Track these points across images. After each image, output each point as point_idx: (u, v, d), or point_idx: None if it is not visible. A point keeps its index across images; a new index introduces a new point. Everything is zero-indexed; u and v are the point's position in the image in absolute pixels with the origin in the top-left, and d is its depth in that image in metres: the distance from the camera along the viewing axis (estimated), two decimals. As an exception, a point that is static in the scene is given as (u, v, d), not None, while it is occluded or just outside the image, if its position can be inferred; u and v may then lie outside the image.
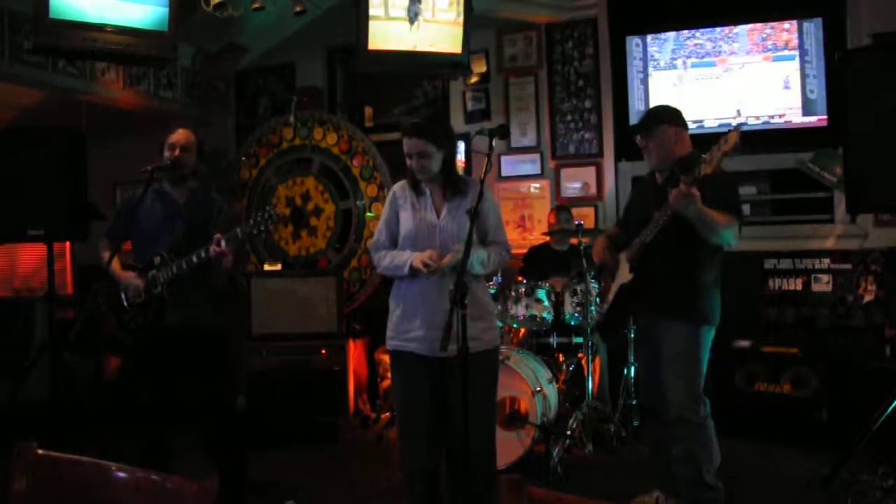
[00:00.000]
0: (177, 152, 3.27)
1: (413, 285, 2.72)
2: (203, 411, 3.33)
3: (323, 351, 5.21)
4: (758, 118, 5.15)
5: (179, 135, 3.31)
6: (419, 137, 2.65)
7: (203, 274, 3.20)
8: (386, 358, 5.41)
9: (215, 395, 3.35)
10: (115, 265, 3.26)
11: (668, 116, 3.09)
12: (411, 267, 2.64)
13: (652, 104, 5.43)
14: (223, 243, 3.02)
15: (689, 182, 2.68)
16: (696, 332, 2.97)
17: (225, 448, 3.34)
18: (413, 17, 4.83)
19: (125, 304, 3.26)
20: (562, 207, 5.27)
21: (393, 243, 2.80)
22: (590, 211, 5.65)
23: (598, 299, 4.52)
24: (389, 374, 5.36)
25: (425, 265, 2.60)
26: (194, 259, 3.08)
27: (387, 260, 2.76)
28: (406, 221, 2.75)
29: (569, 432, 4.16)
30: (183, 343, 3.20)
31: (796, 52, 5.10)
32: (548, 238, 5.17)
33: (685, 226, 2.80)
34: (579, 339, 4.59)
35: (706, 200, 2.73)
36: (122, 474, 1.37)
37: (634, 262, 3.08)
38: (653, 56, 5.44)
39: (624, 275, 3.15)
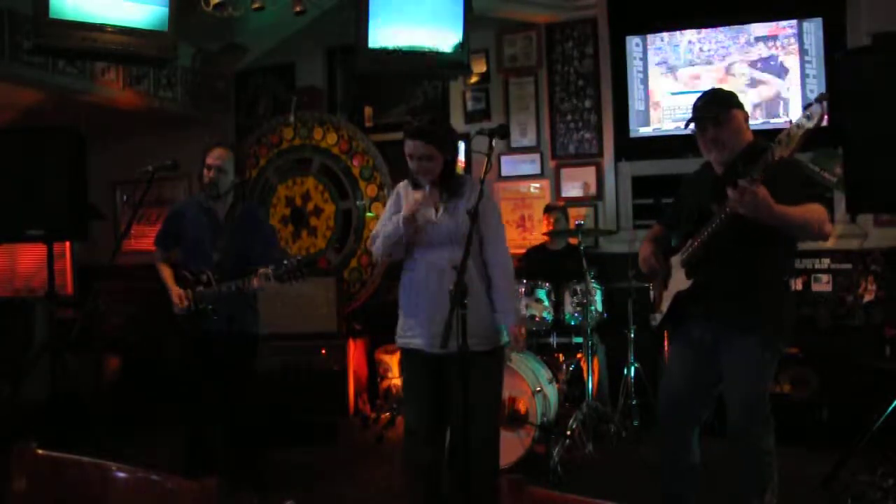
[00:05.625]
0: (212, 174, 3.49)
1: (415, 282, 2.74)
2: (229, 409, 3.55)
3: (323, 351, 5.21)
4: (757, 118, 5.15)
5: (216, 156, 3.50)
6: (422, 140, 2.65)
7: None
8: (386, 358, 5.42)
9: (242, 393, 3.56)
10: (168, 275, 3.57)
11: (735, 99, 2.69)
12: (404, 219, 2.65)
13: (652, 104, 5.44)
14: (260, 282, 3.33)
15: (754, 177, 2.31)
16: (766, 346, 2.61)
17: (248, 443, 3.57)
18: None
19: (177, 314, 3.54)
20: (553, 207, 5.23)
21: None
22: (590, 211, 5.65)
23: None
24: (389, 374, 5.38)
25: (414, 211, 2.62)
26: (234, 287, 3.39)
27: (382, 231, 2.76)
28: None
29: (569, 432, 4.16)
30: (225, 345, 3.47)
31: (796, 53, 5.10)
32: (545, 238, 5.17)
33: (751, 221, 2.42)
34: (579, 339, 4.59)
35: (779, 194, 2.36)
36: (122, 474, 1.37)
37: (691, 267, 2.71)
38: (652, 56, 5.44)
39: (679, 281, 2.77)
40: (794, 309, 2.71)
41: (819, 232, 2.49)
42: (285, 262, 3.34)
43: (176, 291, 3.47)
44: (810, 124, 2.25)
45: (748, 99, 5.15)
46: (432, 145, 2.65)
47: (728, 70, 5.23)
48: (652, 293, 3.01)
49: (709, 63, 5.29)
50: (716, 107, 2.65)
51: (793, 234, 2.56)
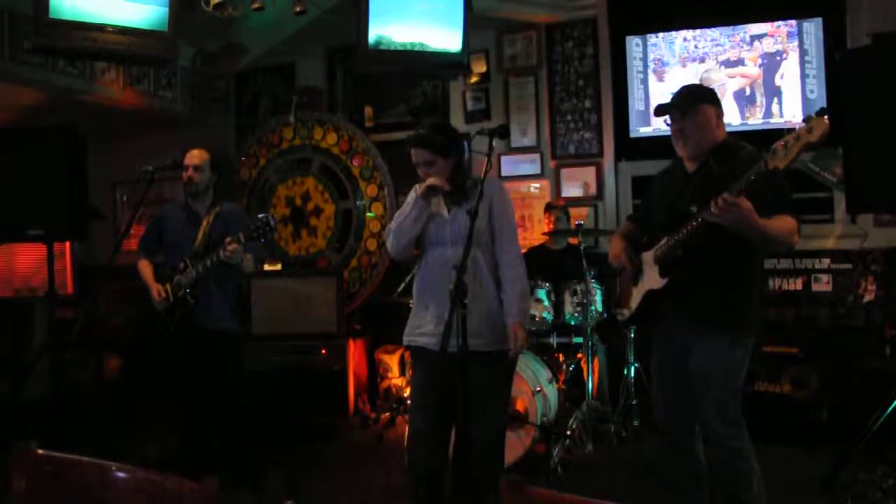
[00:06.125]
0: (189, 172, 3.60)
1: (426, 281, 2.75)
2: (217, 407, 3.59)
3: (323, 351, 5.21)
4: (757, 118, 5.15)
5: (191, 156, 3.62)
6: (423, 148, 2.70)
7: (224, 280, 3.56)
8: (386, 358, 5.42)
9: (229, 391, 3.61)
10: (149, 274, 3.65)
11: (708, 95, 2.69)
12: (421, 197, 2.68)
13: (652, 104, 5.44)
14: (230, 246, 3.33)
15: (740, 189, 2.30)
16: (738, 345, 2.60)
17: (235, 441, 3.62)
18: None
19: (157, 309, 3.60)
20: (554, 206, 5.22)
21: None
22: (590, 211, 5.65)
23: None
24: (389, 374, 5.38)
25: (430, 187, 2.64)
26: (208, 263, 3.42)
27: (397, 217, 2.78)
28: None
29: (569, 432, 4.16)
30: (207, 343, 3.54)
31: (796, 53, 5.10)
32: (545, 238, 5.17)
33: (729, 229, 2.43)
34: (579, 339, 4.58)
35: (758, 204, 2.35)
36: (122, 474, 1.37)
37: (666, 265, 2.69)
38: (652, 56, 5.44)
39: (652, 279, 2.75)
40: (759, 306, 2.69)
41: (786, 247, 2.53)
42: (252, 225, 3.35)
43: (155, 288, 3.56)
44: (811, 137, 2.18)
45: (747, 98, 5.16)
46: (431, 151, 2.69)
47: (727, 70, 5.23)
48: (618, 288, 2.99)
49: (708, 63, 5.29)
50: (684, 97, 2.66)
51: (761, 246, 2.53)
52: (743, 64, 5.21)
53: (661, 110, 2.70)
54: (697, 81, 5.15)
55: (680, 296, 2.66)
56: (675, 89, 2.77)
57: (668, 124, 2.72)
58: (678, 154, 2.73)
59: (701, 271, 2.59)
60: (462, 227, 2.66)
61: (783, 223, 2.45)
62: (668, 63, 5.39)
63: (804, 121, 2.23)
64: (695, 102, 2.63)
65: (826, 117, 2.21)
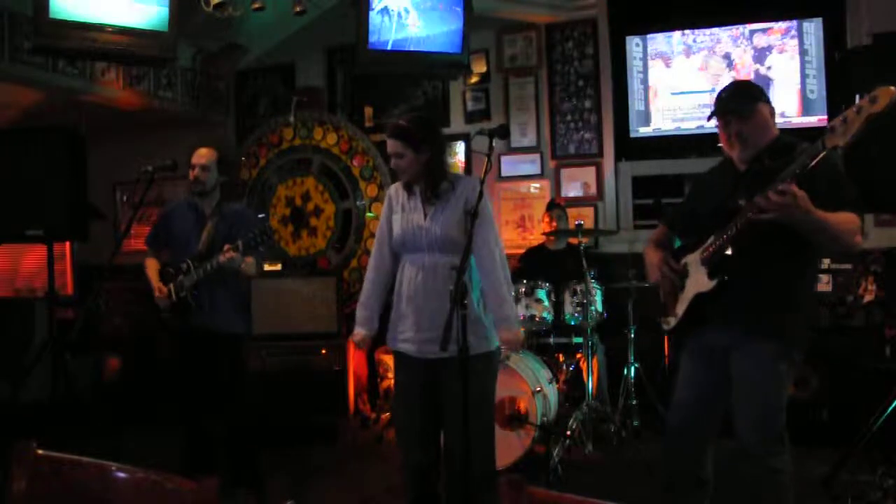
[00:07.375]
0: (196, 171, 3.54)
1: (402, 287, 2.75)
2: (223, 408, 3.56)
3: (323, 351, 5.21)
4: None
5: (199, 155, 3.56)
6: (394, 139, 2.68)
7: (229, 281, 3.53)
8: (386, 358, 5.42)
9: (234, 392, 3.58)
10: (152, 271, 3.61)
11: (761, 92, 2.48)
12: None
13: (652, 105, 5.44)
14: (227, 254, 3.31)
15: (794, 174, 2.10)
16: (784, 355, 2.40)
17: (242, 443, 3.58)
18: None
19: (159, 307, 3.57)
20: (555, 205, 5.22)
21: (387, 246, 2.84)
22: (589, 211, 5.65)
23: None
24: (389, 374, 5.37)
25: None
26: (208, 267, 3.39)
27: (358, 307, 2.90)
28: (396, 224, 2.79)
29: (569, 432, 4.16)
30: (209, 343, 3.50)
31: (796, 52, 5.10)
32: (544, 238, 5.16)
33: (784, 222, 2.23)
34: (579, 339, 4.59)
35: (815, 197, 2.14)
36: (122, 474, 1.36)
37: (715, 266, 2.45)
38: (653, 56, 5.44)
39: (700, 282, 2.51)
40: (814, 314, 2.54)
41: (849, 247, 2.29)
42: (251, 233, 3.33)
43: (156, 285, 3.53)
44: (875, 108, 1.97)
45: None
46: (402, 143, 2.66)
47: (728, 69, 5.23)
48: (662, 296, 2.70)
49: (709, 63, 5.29)
50: (740, 100, 2.45)
51: (820, 243, 2.31)
52: (731, 58, 5.22)
53: (717, 114, 2.50)
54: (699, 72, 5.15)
55: (729, 299, 2.44)
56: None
57: (704, 128, 2.61)
58: (733, 158, 2.52)
59: (753, 271, 2.39)
60: (437, 234, 2.65)
61: (844, 218, 2.23)
62: (674, 64, 5.39)
63: (862, 97, 2.02)
64: (751, 103, 2.44)
65: (892, 87, 1.98)
